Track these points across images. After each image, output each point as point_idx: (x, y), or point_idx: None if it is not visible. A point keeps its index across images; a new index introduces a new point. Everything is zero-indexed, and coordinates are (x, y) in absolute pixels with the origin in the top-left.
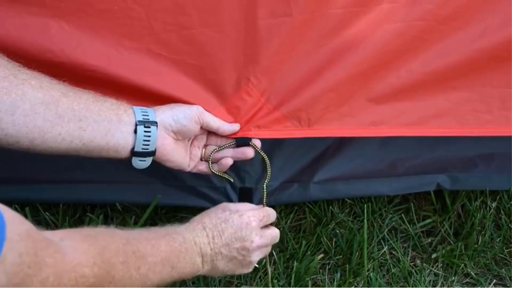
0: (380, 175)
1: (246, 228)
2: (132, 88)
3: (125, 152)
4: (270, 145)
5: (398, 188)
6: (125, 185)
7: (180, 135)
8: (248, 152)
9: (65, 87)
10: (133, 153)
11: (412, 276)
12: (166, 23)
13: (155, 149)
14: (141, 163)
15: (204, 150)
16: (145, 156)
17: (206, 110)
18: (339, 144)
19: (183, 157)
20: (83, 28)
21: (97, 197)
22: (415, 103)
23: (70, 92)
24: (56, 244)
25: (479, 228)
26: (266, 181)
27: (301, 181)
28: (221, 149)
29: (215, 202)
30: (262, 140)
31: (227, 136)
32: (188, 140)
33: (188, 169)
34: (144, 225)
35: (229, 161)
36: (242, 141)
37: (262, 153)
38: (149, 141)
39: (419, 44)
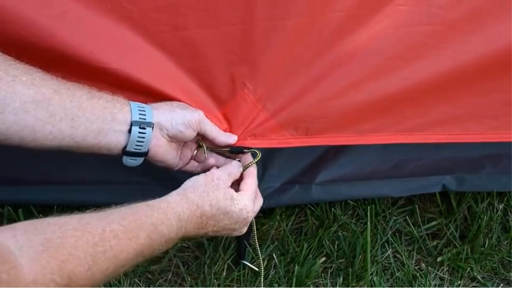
0: (384, 176)
1: (242, 222)
2: (129, 82)
3: (117, 150)
4: None
5: (403, 190)
6: (120, 186)
7: (175, 139)
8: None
9: (58, 82)
10: (125, 152)
11: (417, 280)
12: (161, 23)
13: (148, 150)
14: (131, 162)
15: (196, 151)
16: (136, 156)
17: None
18: (342, 145)
19: (173, 158)
20: (77, 22)
21: (92, 199)
22: (418, 109)
23: (63, 88)
24: (13, 258)
25: (486, 230)
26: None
27: (303, 183)
28: (214, 152)
29: None
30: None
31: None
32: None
33: (176, 169)
34: None
35: (212, 161)
36: (236, 150)
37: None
38: (142, 142)
39: (425, 50)
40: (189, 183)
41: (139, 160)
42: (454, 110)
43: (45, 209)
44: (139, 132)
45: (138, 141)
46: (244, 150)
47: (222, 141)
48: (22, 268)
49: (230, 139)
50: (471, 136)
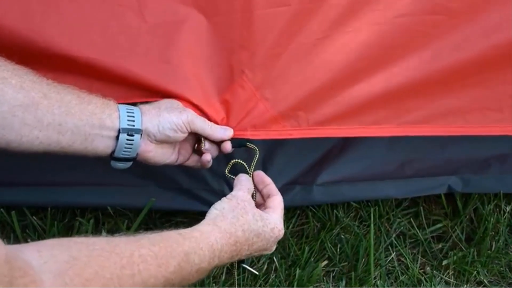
0: (388, 177)
1: (273, 241)
2: (121, 77)
3: (104, 155)
4: (270, 145)
5: (407, 191)
6: (117, 187)
7: (164, 142)
8: (226, 147)
9: (48, 86)
10: (113, 157)
11: (422, 284)
12: (159, 13)
13: (137, 155)
14: (120, 165)
15: (197, 145)
16: (125, 161)
17: (198, 105)
18: (344, 144)
19: (167, 157)
20: (70, 17)
21: (87, 201)
22: (421, 101)
23: (53, 93)
24: (33, 272)
25: (493, 233)
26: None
27: (304, 183)
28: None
29: None
30: (260, 140)
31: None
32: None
33: (176, 164)
34: (138, 230)
35: (208, 157)
36: (237, 142)
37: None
38: (130, 148)
39: (427, 40)
40: (215, 211)
41: (128, 164)
42: (457, 103)
43: (39, 211)
44: (127, 139)
45: (126, 148)
46: (247, 144)
47: (217, 137)
48: (43, 283)
49: (225, 134)
50: (475, 129)
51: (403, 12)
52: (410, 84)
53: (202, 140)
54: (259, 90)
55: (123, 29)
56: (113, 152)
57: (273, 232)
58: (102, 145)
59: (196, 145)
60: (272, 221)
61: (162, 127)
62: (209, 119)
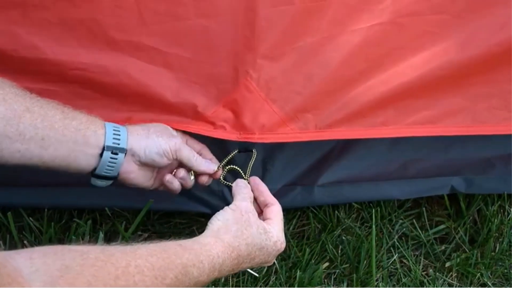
0: (390, 177)
1: (275, 255)
2: (119, 86)
3: (86, 172)
4: (271, 145)
5: (409, 192)
6: (115, 188)
7: (147, 165)
8: (203, 180)
9: (31, 100)
10: (94, 174)
11: (424, 286)
12: (159, 14)
13: (118, 174)
14: (100, 183)
15: (176, 170)
16: (105, 179)
17: (198, 108)
18: (346, 144)
19: (146, 180)
20: (67, 21)
21: (85, 202)
22: (428, 101)
23: (36, 107)
24: (22, 280)
25: (497, 234)
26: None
27: (305, 184)
28: (227, 161)
29: (212, 207)
30: (266, 143)
31: (231, 140)
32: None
33: (151, 188)
34: (136, 231)
35: (175, 186)
36: (243, 146)
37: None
38: (113, 167)
39: (432, 39)
40: (219, 223)
41: (108, 183)
42: (464, 102)
43: (36, 212)
44: (111, 158)
45: (108, 166)
46: (253, 150)
47: (200, 170)
48: None
49: (209, 168)
50: (484, 129)
51: (408, 12)
52: (416, 83)
53: (191, 173)
54: (263, 90)
55: (121, 31)
56: (95, 169)
57: (276, 246)
58: (84, 162)
59: (175, 170)
60: (275, 234)
61: (149, 151)
62: (213, 123)
